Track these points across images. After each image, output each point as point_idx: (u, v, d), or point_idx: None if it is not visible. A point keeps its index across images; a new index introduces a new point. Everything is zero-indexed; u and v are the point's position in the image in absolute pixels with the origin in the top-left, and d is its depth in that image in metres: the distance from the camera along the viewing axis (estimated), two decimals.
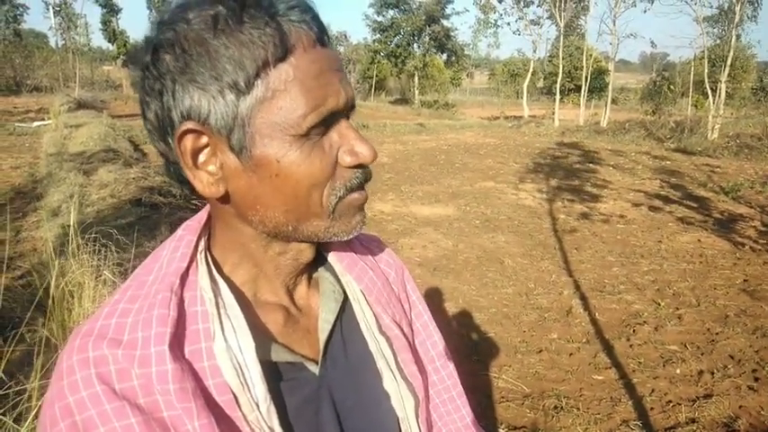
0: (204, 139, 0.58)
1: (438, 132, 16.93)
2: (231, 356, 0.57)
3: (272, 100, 0.55)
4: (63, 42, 31.63)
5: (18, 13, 36.42)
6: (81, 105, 16.64)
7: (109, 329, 0.56)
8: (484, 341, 4.06)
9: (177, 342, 0.56)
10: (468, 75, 43.74)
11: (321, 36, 0.59)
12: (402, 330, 0.75)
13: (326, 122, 0.58)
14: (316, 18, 0.59)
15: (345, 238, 0.64)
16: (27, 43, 35.10)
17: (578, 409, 3.18)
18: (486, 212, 7.72)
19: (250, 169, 0.58)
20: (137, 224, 5.07)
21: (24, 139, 12.42)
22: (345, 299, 0.73)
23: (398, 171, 10.36)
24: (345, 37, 35.40)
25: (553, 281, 5.25)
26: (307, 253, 0.67)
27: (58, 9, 31.66)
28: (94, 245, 3.67)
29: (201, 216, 0.67)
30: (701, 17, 18.90)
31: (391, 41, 35.87)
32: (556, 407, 3.20)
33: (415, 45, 36.22)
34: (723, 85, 17.88)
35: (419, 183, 9.47)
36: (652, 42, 27.00)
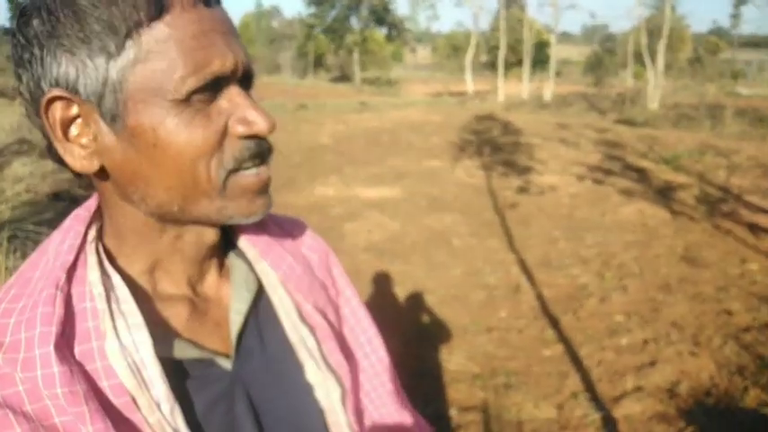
0: (75, 109, 0.53)
1: (381, 111, 16.80)
2: (126, 356, 0.53)
3: (145, 62, 0.51)
4: None
5: None
6: None
7: None
8: (433, 324, 4.02)
9: (66, 342, 0.52)
10: (411, 50, 43.55)
11: None
12: (326, 318, 0.72)
13: (212, 88, 0.54)
14: None
15: (245, 222, 0.59)
16: None
17: (528, 385, 3.22)
18: (433, 192, 7.68)
19: (125, 140, 0.53)
20: (57, 220, 4.78)
21: None
22: (261, 288, 0.68)
23: (341, 152, 10.20)
24: (278, 11, 34.53)
25: (501, 259, 5.26)
26: (209, 235, 0.61)
27: None
28: (11, 244, 3.43)
29: (91, 203, 0.62)
30: None
31: (328, 15, 35.18)
32: (506, 384, 3.22)
33: (354, 19, 35.66)
34: (661, 56, 18.39)
35: (363, 164, 9.34)
36: (591, 14, 27.55)
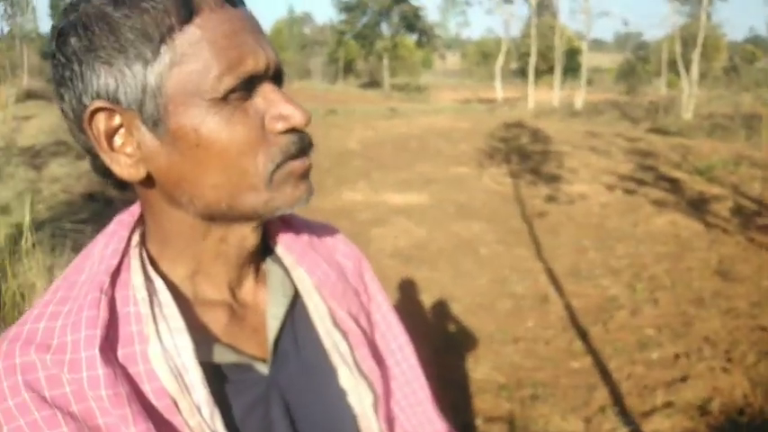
0: (117, 119, 0.55)
1: (410, 117, 16.82)
2: (168, 359, 0.54)
3: (181, 65, 0.53)
4: (9, 29, 30.50)
5: None
6: (30, 96, 16.06)
7: (37, 334, 0.53)
8: (459, 332, 4.01)
9: (110, 345, 0.53)
10: (440, 56, 43.48)
11: None
12: (359, 324, 0.72)
13: (247, 86, 0.55)
14: None
15: (290, 211, 0.60)
16: None
17: (555, 397, 3.18)
18: (460, 199, 7.65)
19: (169, 144, 0.55)
20: (91, 220, 4.90)
21: None
22: (296, 293, 0.69)
23: (369, 158, 10.22)
24: (310, 18, 34.85)
25: (528, 268, 5.21)
26: (251, 239, 0.62)
27: None
28: (48, 243, 3.52)
29: (135, 209, 0.63)
30: None
31: (358, 22, 35.36)
32: (533, 396, 3.18)
33: (384, 25, 35.78)
34: (696, 65, 18.05)
35: (391, 170, 9.34)
36: (624, 21, 27.14)
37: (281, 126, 0.56)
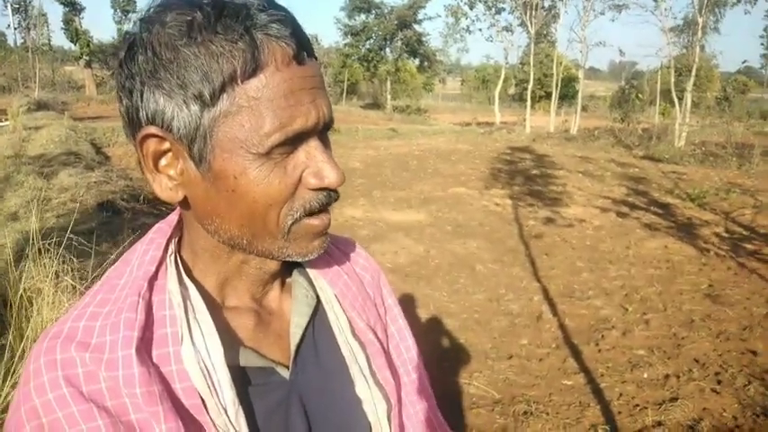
0: (166, 144, 0.57)
1: (410, 137, 16.97)
2: (199, 361, 0.57)
3: (236, 115, 0.54)
4: (22, 41, 30.74)
5: None
6: (41, 106, 16.16)
7: (77, 332, 0.56)
8: (455, 347, 4.05)
9: (145, 346, 0.57)
10: (440, 80, 43.92)
11: (299, 53, 0.56)
12: (376, 335, 0.74)
13: (293, 142, 0.57)
14: (295, 33, 0.56)
15: (300, 260, 0.63)
16: None
17: (548, 414, 3.20)
18: (458, 218, 7.74)
19: (209, 180, 0.57)
20: (98, 229, 4.95)
21: None
22: (318, 303, 0.72)
23: (370, 176, 10.32)
24: (317, 40, 35.22)
25: (524, 286, 5.28)
26: (271, 265, 0.66)
27: (17, 7, 30.73)
28: (55, 251, 3.57)
29: (172, 219, 0.67)
30: (667, 27, 19.38)
31: (363, 45, 35.83)
32: (526, 412, 3.21)
33: (387, 49, 36.24)
34: (689, 94, 18.33)
35: (391, 188, 9.45)
36: (620, 51, 27.55)
37: (314, 183, 0.58)
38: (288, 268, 0.72)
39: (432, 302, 4.80)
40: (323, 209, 0.61)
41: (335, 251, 0.79)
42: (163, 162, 0.59)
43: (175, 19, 0.54)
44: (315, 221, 0.61)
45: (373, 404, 0.71)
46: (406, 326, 0.84)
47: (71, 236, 3.68)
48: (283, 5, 0.58)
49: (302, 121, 0.56)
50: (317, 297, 0.72)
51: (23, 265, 3.52)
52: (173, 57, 0.53)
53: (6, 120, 14.26)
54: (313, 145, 0.58)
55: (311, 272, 0.73)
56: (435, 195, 9.04)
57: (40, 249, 3.54)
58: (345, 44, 36.08)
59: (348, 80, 34.77)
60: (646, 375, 3.62)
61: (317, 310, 0.72)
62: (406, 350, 0.83)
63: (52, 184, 7.15)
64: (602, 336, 4.21)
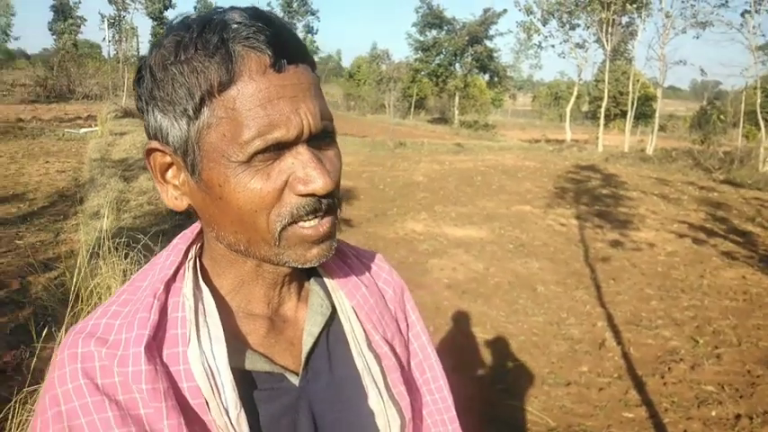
0: (168, 158, 0.62)
1: (476, 153, 16.80)
2: (203, 362, 0.59)
3: (217, 126, 0.57)
4: (115, 53, 32.94)
5: (77, 24, 38.17)
6: (127, 114, 17.09)
7: (99, 328, 0.60)
8: (510, 370, 3.96)
9: (157, 345, 0.59)
10: (511, 96, 43.38)
11: (277, 61, 0.57)
12: (394, 349, 0.74)
13: (276, 149, 0.58)
14: (274, 42, 0.57)
15: (302, 266, 0.63)
16: (82, 53, 36.60)
17: None
18: (521, 237, 7.58)
19: (203, 190, 0.61)
20: (170, 232, 5.15)
21: (72, 144, 12.84)
22: (334, 313, 0.72)
23: (433, 191, 10.28)
24: (388, 55, 35.61)
25: (587, 311, 5.10)
26: (282, 269, 0.67)
27: (112, 21, 32.98)
28: (125, 249, 3.75)
29: (196, 226, 0.70)
30: (755, 46, 18.37)
31: (433, 61, 35.94)
32: None
33: (457, 65, 36.19)
34: None
35: (453, 203, 9.37)
36: (702, 70, 26.26)
37: (300, 188, 0.59)
38: (306, 277, 0.73)
39: (488, 322, 4.71)
40: (312, 214, 0.60)
41: (357, 263, 0.79)
42: (169, 174, 0.63)
43: (170, 41, 0.58)
44: (307, 231, 0.60)
45: (386, 418, 0.70)
46: (429, 343, 0.83)
47: (142, 237, 3.86)
48: (271, 15, 0.60)
49: (283, 130, 0.57)
50: (333, 307, 0.73)
51: (96, 262, 3.72)
52: (163, 76, 0.57)
53: (96, 125, 15.21)
54: (300, 151, 0.59)
55: (329, 282, 0.74)
56: (498, 212, 8.89)
57: (109, 248, 3.73)
58: (416, 59, 36.30)
59: (417, 95, 34.94)
60: (714, 414, 3.41)
61: (333, 320, 0.72)
62: (429, 368, 0.82)
63: (132, 186, 7.54)
64: (669, 368, 4.00)
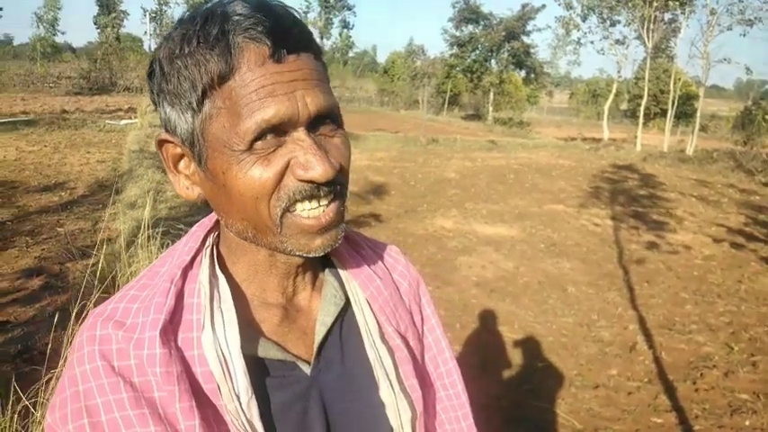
0: (179, 149, 0.64)
1: (510, 150, 16.62)
2: (216, 348, 0.60)
3: (218, 117, 0.58)
4: (156, 47, 33.85)
5: (120, 18, 39.13)
6: None
7: (117, 312, 0.62)
8: (537, 370, 3.93)
9: (173, 329, 0.61)
10: (547, 93, 42.70)
11: (276, 51, 0.57)
12: (407, 342, 0.75)
13: (275, 134, 0.58)
14: (272, 32, 0.57)
15: (308, 255, 0.63)
16: (124, 46, 37.48)
17: None
18: (553, 236, 7.49)
19: (210, 179, 0.62)
20: None
21: (112, 135, 13.21)
22: (348, 304, 0.73)
23: (464, 187, 10.22)
24: (423, 51, 35.38)
25: (618, 314, 5.02)
26: (295, 257, 0.67)
27: (153, 15, 33.70)
28: (162, 238, 3.84)
29: (214, 215, 0.70)
30: None
31: (468, 56, 35.57)
32: None
33: (493, 61, 35.76)
34: None
35: (484, 201, 9.29)
36: (747, 68, 25.35)
37: (299, 174, 0.59)
38: (321, 267, 0.74)
39: (516, 321, 4.67)
40: (309, 200, 0.60)
41: (372, 255, 0.80)
42: (181, 164, 0.65)
43: (177, 34, 0.59)
44: (308, 221, 0.61)
45: (397, 410, 0.71)
46: (444, 338, 0.84)
47: (180, 226, 3.95)
48: (275, 4, 0.60)
49: (272, 113, 0.57)
50: (347, 298, 0.73)
51: (133, 250, 3.82)
52: (170, 69, 0.59)
53: (136, 117, 15.58)
54: (301, 137, 0.59)
55: (344, 273, 0.74)
56: (530, 211, 8.79)
57: (149, 236, 3.83)
58: (451, 55, 35.98)
59: (451, 91, 34.66)
60: (748, 423, 3.33)
61: (347, 311, 0.73)
62: (444, 363, 0.82)
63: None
64: (702, 374, 3.92)
